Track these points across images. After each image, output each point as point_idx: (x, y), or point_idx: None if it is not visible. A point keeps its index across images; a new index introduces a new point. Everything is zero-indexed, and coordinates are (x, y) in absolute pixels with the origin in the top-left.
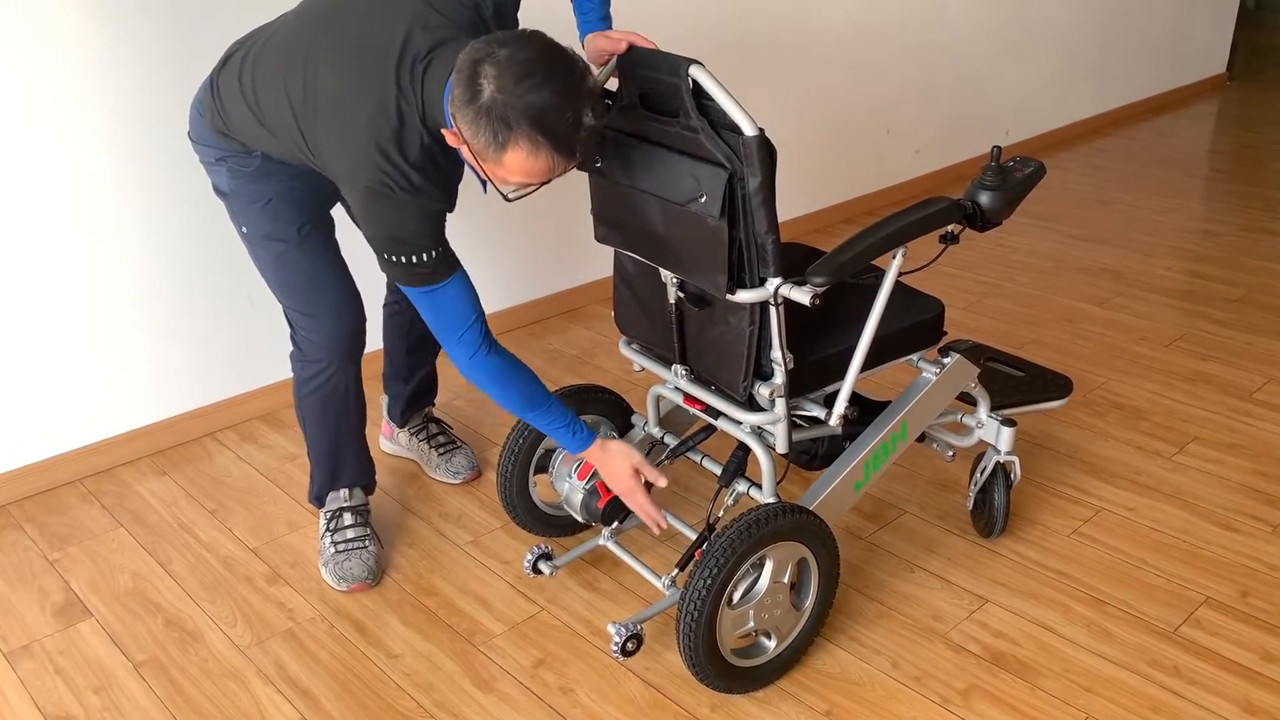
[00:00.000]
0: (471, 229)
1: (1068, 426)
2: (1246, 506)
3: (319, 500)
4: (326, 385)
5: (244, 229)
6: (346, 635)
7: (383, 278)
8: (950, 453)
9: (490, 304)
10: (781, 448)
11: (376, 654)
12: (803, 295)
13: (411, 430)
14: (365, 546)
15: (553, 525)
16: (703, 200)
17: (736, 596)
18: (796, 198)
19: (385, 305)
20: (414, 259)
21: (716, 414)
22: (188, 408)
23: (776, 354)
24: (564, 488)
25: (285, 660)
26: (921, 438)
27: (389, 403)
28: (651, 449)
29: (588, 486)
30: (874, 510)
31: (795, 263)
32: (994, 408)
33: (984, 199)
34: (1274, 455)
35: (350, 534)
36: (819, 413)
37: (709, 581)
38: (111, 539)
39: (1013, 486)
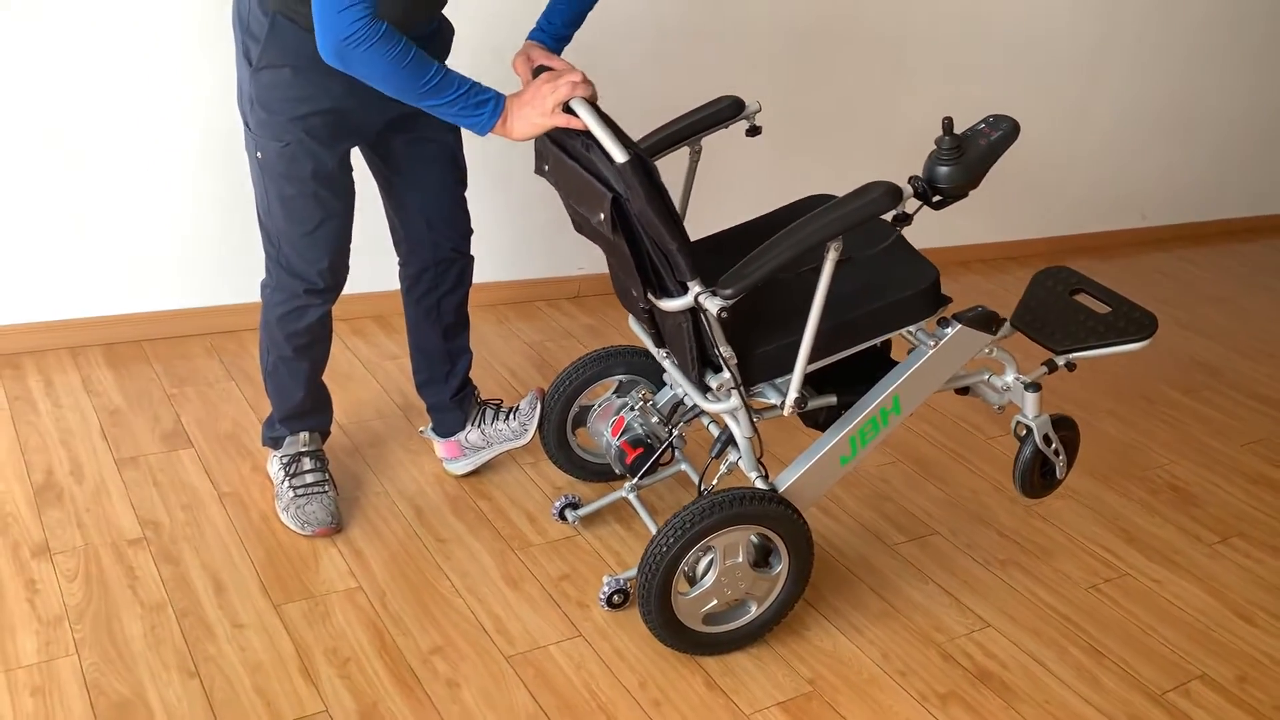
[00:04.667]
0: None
1: (1119, 495)
2: (1271, 605)
3: (274, 442)
4: (310, 312)
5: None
6: (405, 515)
7: (390, 259)
8: (998, 406)
9: (589, 266)
10: (746, 432)
11: (427, 536)
12: (713, 306)
13: (477, 422)
14: (325, 491)
15: (588, 470)
16: (601, 218)
17: (696, 576)
18: (912, 230)
19: (407, 293)
20: None
21: None
22: None
23: (720, 351)
24: (603, 443)
25: (347, 522)
26: (966, 390)
27: (438, 419)
28: (675, 409)
29: (618, 443)
30: (908, 524)
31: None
32: (1063, 351)
33: (940, 174)
34: None
35: (310, 479)
36: (775, 399)
37: (653, 573)
38: (223, 389)
39: (1052, 449)
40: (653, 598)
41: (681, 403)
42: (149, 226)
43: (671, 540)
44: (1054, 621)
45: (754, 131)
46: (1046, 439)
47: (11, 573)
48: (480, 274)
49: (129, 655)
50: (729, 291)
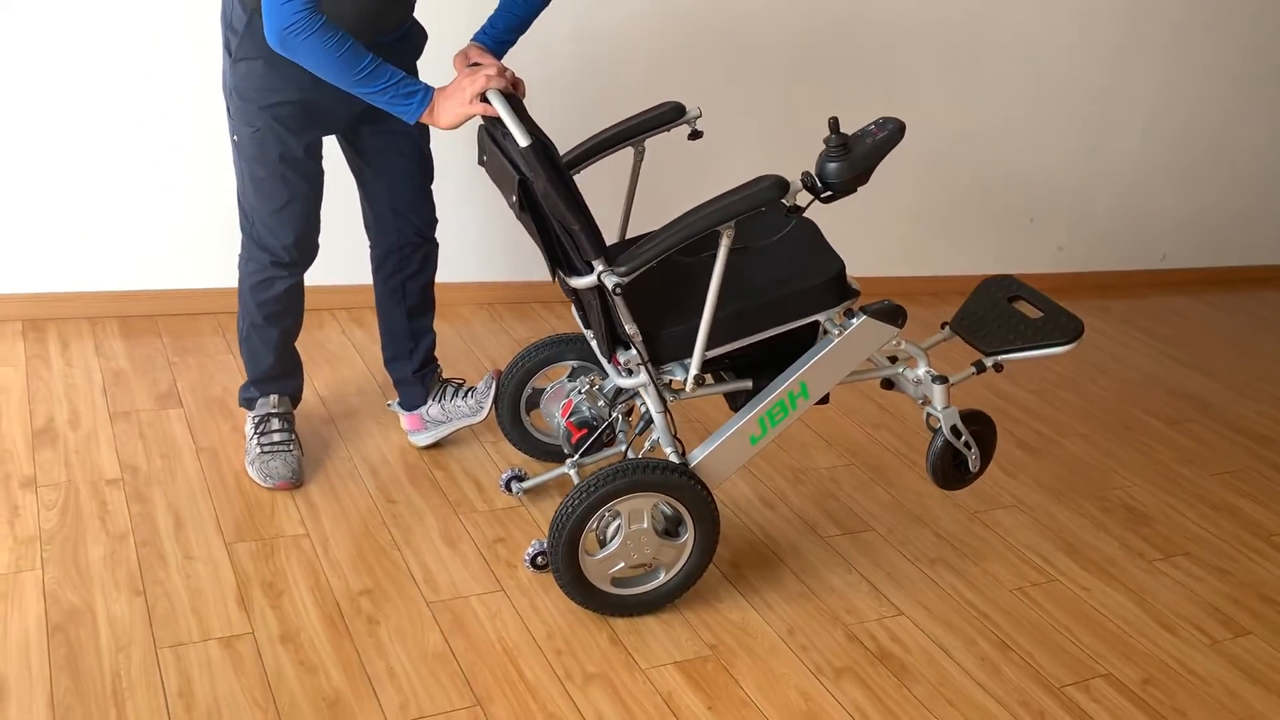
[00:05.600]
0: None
1: (1070, 511)
2: (1198, 619)
3: (248, 403)
4: (278, 283)
5: (236, 137)
6: (363, 477)
7: (362, 241)
8: (919, 399)
9: None
10: (657, 408)
11: (379, 496)
12: (609, 282)
13: (438, 398)
14: (289, 450)
15: (541, 450)
16: (513, 199)
17: (605, 539)
18: (918, 257)
19: (375, 272)
20: None
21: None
22: (321, 282)
23: (625, 328)
24: (554, 423)
25: (308, 480)
26: (890, 385)
27: (403, 393)
28: (619, 394)
29: (565, 423)
30: (846, 519)
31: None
32: (991, 352)
33: (828, 169)
34: (1259, 591)
35: (276, 437)
36: (681, 376)
37: (561, 530)
38: (222, 362)
39: (962, 442)
40: (560, 554)
41: (624, 388)
42: (166, 214)
43: (578, 501)
44: (969, 616)
45: (695, 135)
46: (955, 431)
47: None
48: (479, 273)
49: (87, 573)
50: (623, 269)
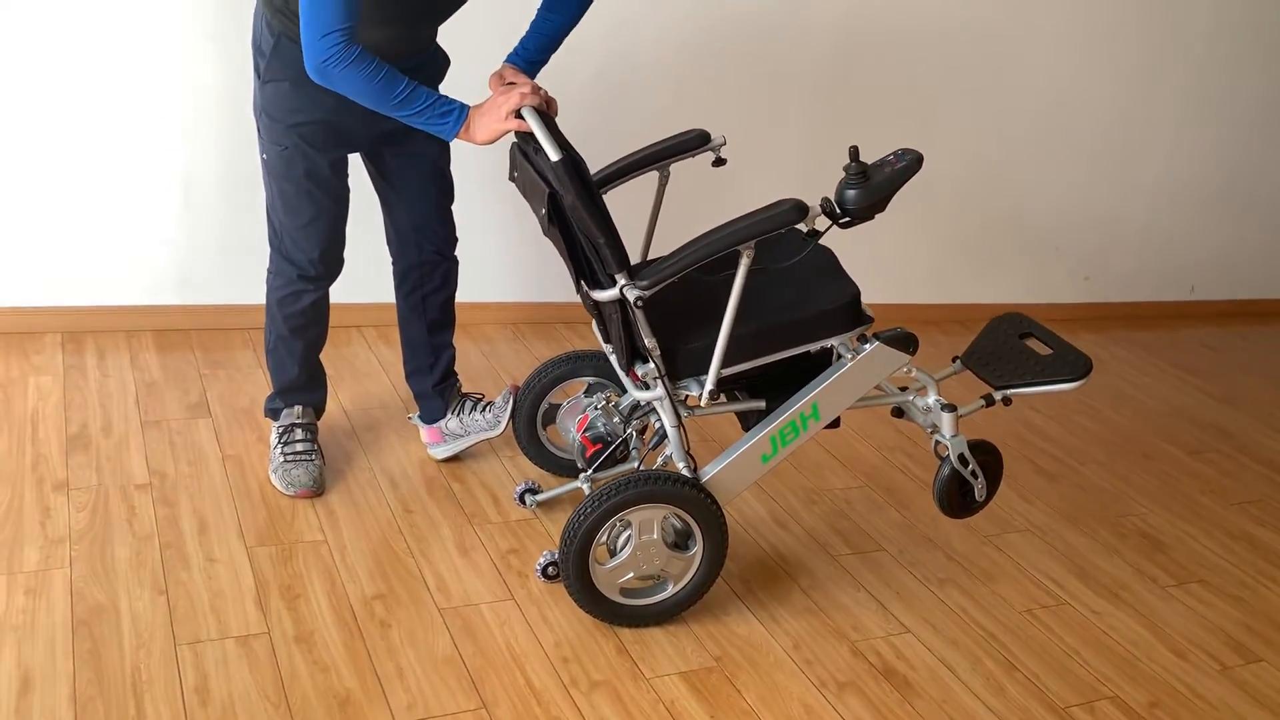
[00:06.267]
0: None
1: (1083, 535)
2: (1210, 645)
3: (274, 413)
4: (305, 296)
5: (265, 156)
6: (382, 488)
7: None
8: (927, 427)
9: None
10: (671, 421)
11: (397, 506)
12: (631, 294)
13: (457, 412)
14: (311, 459)
15: (557, 464)
16: (542, 212)
17: (615, 549)
18: (943, 285)
19: (398, 288)
20: None
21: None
22: (350, 300)
23: (644, 342)
24: (569, 438)
25: (329, 489)
26: (900, 413)
27: (423, 406)
28: (634, 410)
29: (579, 438)
30: (858, 539)
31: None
32: (1000, 386)
33: (847, 196)
34: (1273, 619)
35: (299, 447)
36: (696, 392)
37: (572, 538)
38: (251, 374)
39: (969, 470)
40: (571, 562)
41: (640, 404)
42: (201, 232)
43: (591, 508)
44: (976, 635)
45: (719, 163)
46: (963, 459)
47: (33, 500)
48: (504, 294)
49: (112, 572)
50: (645, 283)
